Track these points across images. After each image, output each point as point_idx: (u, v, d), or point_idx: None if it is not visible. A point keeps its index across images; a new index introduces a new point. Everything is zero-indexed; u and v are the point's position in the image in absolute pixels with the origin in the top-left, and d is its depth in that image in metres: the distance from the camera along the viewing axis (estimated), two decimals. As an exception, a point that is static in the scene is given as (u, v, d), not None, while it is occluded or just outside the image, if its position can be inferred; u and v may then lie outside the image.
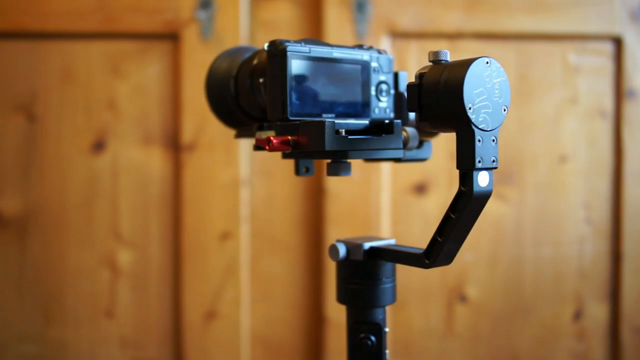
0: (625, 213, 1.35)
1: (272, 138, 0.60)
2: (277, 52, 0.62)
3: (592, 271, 1.36)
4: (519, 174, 1.34)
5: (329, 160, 0.65)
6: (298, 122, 0.61)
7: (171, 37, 1.29)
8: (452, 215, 0.56)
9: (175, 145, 1.30)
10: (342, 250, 0.67)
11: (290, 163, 1.33)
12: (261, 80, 0.66)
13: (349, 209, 1.30)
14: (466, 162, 0.54)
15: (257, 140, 0.63)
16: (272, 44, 0.62)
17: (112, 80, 1.30)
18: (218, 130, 1.27)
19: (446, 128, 0.56)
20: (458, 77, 0.52)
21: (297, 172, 0.73)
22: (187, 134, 1.28)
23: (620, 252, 1.35)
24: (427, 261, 0.59)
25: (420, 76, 0.55)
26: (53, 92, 1.29)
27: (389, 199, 1.31)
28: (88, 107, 1.30)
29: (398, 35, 1.30)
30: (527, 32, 1.33)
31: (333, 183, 1.30)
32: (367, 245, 0.67)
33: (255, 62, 0.67)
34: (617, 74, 1.35)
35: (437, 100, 0.53)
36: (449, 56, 0.55)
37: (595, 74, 1.35)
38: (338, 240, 0.68)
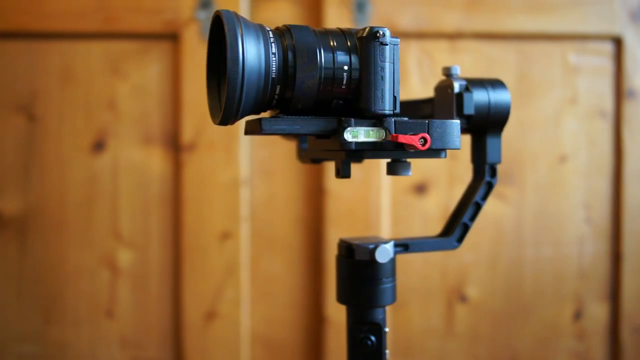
0: (625, 213, 1.35)
1: (426, 137, 0.59)
2: (392, 43, 0.60)
3: (592, 271, 1.36)
4: (519, 174, 1.34)
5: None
6: (426, 121, 0.60)
7: (171, 37, 1.29)
8: (482, 203, 0.70)
9: (175, 145, 1.30)
10: (391, 250, 0.66)
11: (289, 163, 1.33)
12: (345, 67, 0.60)
13: (349, 209, 1.30)
14: (496, 158, 0.70)
15: (403, 138, 0.58)
16: (385, 32, 0.59)
17: (112, 80, 1.30)
18: (218, 130, 1.27)
19: (476, 131, 0.70)
20: (506, 100, 0.69)
21: (347, 172, 0.63)
22: (187, 134, 1.28)
23: (620, 252, 1.35)
24: (458, 244, 0.70)
25: (466, 88, 0.68)
26: (53, 92, 1.29)
27: (389, 199, 1.31)
28: (88, 107, 1.30)
29: (398, 35, 1.29)
30: (527, 32, 1.33)
31: (333, 183, 1.30)
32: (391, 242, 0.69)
33: (335, 43, 0.60)
34: (617, 74, 1.35)
35: (488, 113, 0.69)
36: (459, 70, 0.69)
37: (595, 74, 1.35)
38: (354, 240, 0.68)
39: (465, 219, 0.70)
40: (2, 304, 1.30)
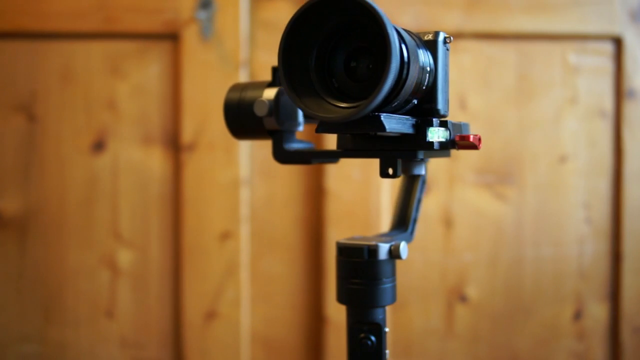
0: (625, 213, 1.35)
1: (480, 137, 0.61)
2: (449, 49, 0.60)
3: (592, 271, 1.36)
4: (519, 174, 1.34)
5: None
6: (460, 123, 0.63)
7: (171, 37, 1.29)
8: (422, 198, 0.75)
9: (175, 145, 1.30)
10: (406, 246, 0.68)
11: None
12: (429, 69, 0.59)
13: (349, 209, 1.30)
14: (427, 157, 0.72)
15: (473, 138, 0.60)
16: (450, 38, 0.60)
17: (112, 80, 1.30)
18: (218, 130, 1.27)
19: None
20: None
21: (400, 171, 0.63)
22: (187, 134, 1.28)
23: (620, 252, 1.35)
24: (412, 237, 0.74)
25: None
26: (53, 92, 1.29)
27: (389, 199, 1.31)
28: (88, 107, 1.30)
29: (398, 35, 1.30)
30: (527, 32, 1.33)
31: (333, 183, 1.30)
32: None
33: (418, 46, 0.58)
34: (617, 74, 1.35)
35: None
36: None
37: (595, 74, 1.35)
38: (353, 240, 0.69)
39: (415, 214, 0.75)
40: (2, 304, 1.30)
